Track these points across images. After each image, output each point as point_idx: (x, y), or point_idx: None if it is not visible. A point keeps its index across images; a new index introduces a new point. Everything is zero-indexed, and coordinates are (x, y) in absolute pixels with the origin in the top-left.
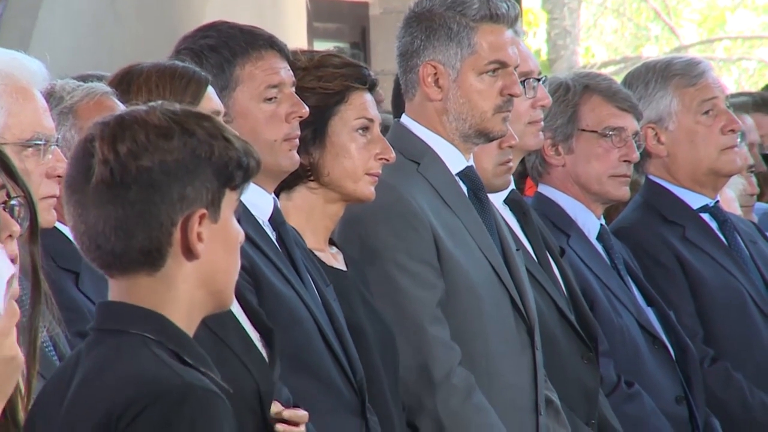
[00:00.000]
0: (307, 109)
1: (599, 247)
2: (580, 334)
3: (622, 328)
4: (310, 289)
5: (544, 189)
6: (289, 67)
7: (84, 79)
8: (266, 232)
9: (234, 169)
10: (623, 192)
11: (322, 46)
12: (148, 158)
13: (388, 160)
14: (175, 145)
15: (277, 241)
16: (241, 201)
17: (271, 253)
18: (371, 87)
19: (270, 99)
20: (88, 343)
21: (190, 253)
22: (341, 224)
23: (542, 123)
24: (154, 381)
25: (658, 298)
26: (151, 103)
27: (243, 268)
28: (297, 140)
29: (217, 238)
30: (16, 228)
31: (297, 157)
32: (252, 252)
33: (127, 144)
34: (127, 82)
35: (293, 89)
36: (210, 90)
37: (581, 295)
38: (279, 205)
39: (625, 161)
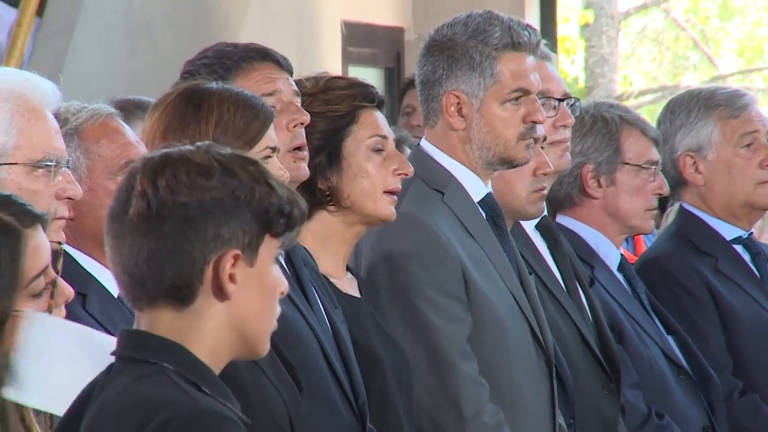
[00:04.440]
0: (308, 116)
1: (620, 278)
2: (602, 363)
3: (649, 358)
4: (317, 310)
5: (563, 219)
6: (288, 78)
7: (123, 105)
8: None
9: (275, 215)
10: (651, 226)
11: (356, 71)
12: (186, 195)
13: (406, 175)
14: (214, 185)
15: (285, 261)
16: None
17: None
18: (380, 105)
19: None
20: (110, 370)
21: (221, 293)
22: (371, 257)
23: (569, 143)
24: (166, 404)
25: (678, 327)
26: (198, 144)
27: None
28: (305, 151)
29: (252, 282)
30: (70, 292)
31: (306, 169)
32: None
33: (166, 179)
34: (196, 102)
35: (298, 99)
36: (273, 126)
37: (607, 326)
38: None
39: (656, 194)
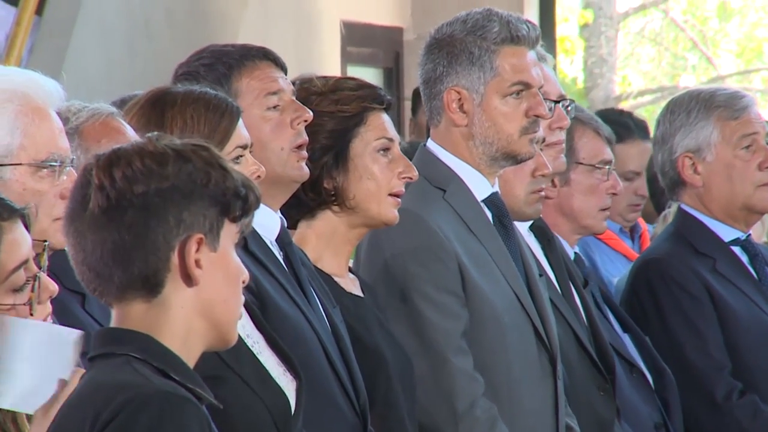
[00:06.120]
0: (311, 113)
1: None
2: (597, 365)
3: None
4: (316, 309)
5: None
6: (285, 77)
7: (122, 103)
8: (273, 252)
9: (232, 198)
10: (604, 226)
11: (355, 71)
12: (144, 183)
13: (411, 179)
14: (170, 171)
15: (284, 261)
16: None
17: (277, 272)
18: (388, 107)
19: (272, 107)
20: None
21: (188, 278)
22: (369, 253)
23: (563, 145)
24: (124, 388)
25: (634, 324)
26: (149, 135)
27: (248, 288)
28: (305, 151)
29: (217, 267)
30: (54, 287)
31: (306, 169)
32: (258, 272)
33: (122, 170)
34: (159, 110)
35: (294, 97)
36: (241, 121)
37: (601, 327)
38: (285, 225)
39: (610, 194)
